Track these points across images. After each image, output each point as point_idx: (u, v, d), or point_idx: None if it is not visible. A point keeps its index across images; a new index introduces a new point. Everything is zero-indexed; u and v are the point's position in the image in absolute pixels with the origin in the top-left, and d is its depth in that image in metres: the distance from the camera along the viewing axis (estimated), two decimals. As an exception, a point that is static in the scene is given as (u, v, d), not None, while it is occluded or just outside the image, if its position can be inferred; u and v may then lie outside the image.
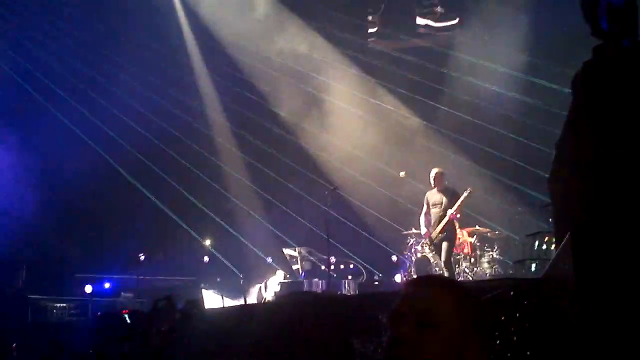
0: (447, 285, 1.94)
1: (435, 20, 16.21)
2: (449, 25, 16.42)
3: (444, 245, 10.77)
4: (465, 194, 10.91)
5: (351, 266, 15.06)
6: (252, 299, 14.67)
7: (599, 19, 3.68)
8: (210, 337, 8.16)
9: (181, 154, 16.98)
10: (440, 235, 10.85)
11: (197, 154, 17.24)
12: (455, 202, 10.87)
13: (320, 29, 17.13)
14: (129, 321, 7.28)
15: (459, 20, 16.22)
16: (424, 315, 1.83)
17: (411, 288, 1.96)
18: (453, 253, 11.47)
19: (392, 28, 17.17)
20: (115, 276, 15.01)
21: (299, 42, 16.97)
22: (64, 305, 13.29)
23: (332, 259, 13.57)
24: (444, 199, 10.88)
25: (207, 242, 16.46)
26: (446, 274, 10.69)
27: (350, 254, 15.23)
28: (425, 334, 1.81)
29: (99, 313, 11.62)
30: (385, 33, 17.44)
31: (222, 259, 16.17)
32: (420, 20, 16.33)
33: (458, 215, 10.89)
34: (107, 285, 14.80)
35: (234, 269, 15.92)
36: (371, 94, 16.93)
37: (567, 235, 3.34)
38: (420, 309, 1.85)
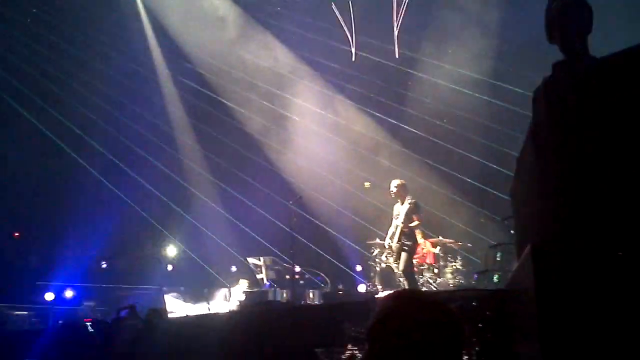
0: (424, 302, 1.97)
1: None
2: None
3: (402, 255, 10.84)
4: (407, 204, 10.93)
5: (316, 276, 15.08)
6: (217, 303, 14.56)
7: (563, 36, 3.79)
8: (174, 346, 8.11)
9: (146, 161, 16.82)
10: (397, 245, 10.92)
11: (163, 159, 17.10)
12: (416, 211, 10.97)
13: (286, 42, 17.17)
14: (91, 330, 7.18)
15: None
16: (404, 331, 1.86)
17: (388, 303, 1.98)
18: (416, 263, 11.56)
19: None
20: (77, 284, 14.78)
21: (264, 54, 16.98)
22: (24, 313, 13.02)
23: (297, 269, 13.57)
24: (403, 210, 10.96)
25: (171, 251, 16.33)
26: (406, 284, 10.78)
27: (315, 264, 15.25)
28: (404, 349, 1.84)
29: (60, 322, 11.43)
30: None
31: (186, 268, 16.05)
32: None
33: (411, 225, 10.90)
34: (68, 293, 14.56)
35: (198, 279, 15.81)
36: (337, 105, 16.99)
37: (528, 247, 3.41)
38: (401, 324, 1.88)
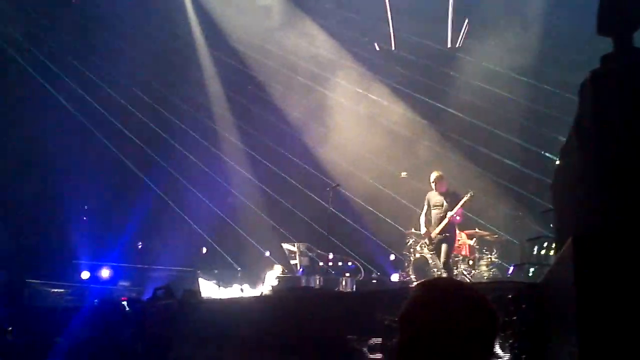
0: (458, 290, 1.94)
1: None
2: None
3: (444, 246, 10.80)
4: (466, 197, 10.95)
5: (349, 263, 15.08)
6: (250, 287, 14.69)
7: (615, 29, 3.70)
8: (208, 327, 8.19)
9: (184, 145, 16.97)
10: (439, 236, 10.89)
11: (199, 146, 17.23)
12: (456, 204, 10.90)
13: (327, 27, 17.10)
14: (127, 309, 7.30)
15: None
16: (434, 320, 1.84)
17: (421, 292, 1.96)
18: (452, 255, 11.50)
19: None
20: (113, 264, 15.02)
21: (305, 39, 16.96)
22: (61, 290, 13.28)
23: (330, 256, 13.60)
24: (445, 201, 10.91)
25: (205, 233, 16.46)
26: (444, 275, 10.73)
27: (349, 252, 15.25)
28: (434, 338, 1.82)
29: (96, 300, 11.63)
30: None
31: (221, 250, 16.17)
32: None
33: (458, 218, 10.92)
34: (105, 272, 14.82)
35: (232, 262, 15.93)
36: (376, 94, 16.92)
37: (569, 241, 3.34)
38: (430, 313, 1.86)
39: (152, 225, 16.42)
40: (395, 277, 13.87)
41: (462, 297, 1.90)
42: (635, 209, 3.12)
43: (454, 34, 16.39)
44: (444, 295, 1.90)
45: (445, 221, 10.89)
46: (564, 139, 4.29)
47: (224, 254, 16.21)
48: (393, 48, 17.28)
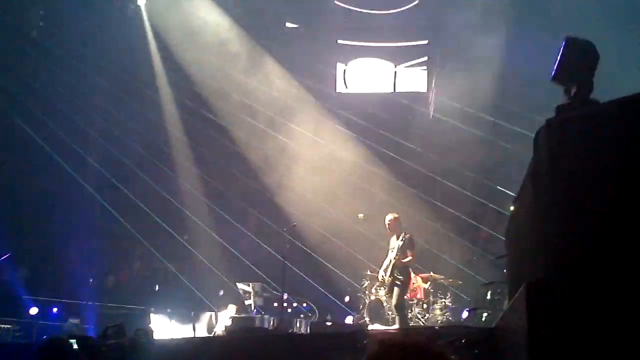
0: (416, 349, 1.94)
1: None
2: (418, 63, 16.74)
3: (395, 289, 10.81)
4: (403, 241, 10.91)
5: (304, 304, 15.00)
6: (202, 326, 14.45)
7: (570, 80, 3.86)
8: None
9: (141, 182, 16.77)
10: (390, 278, 10.89)
11: (157, 181, 17.05)
12: (411, 246, 10.96)
13: (290, 72, 17.28)
14: (76, 347, 7.10)
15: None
16: None
17: (378, 349, 1.96)
18: (406, 298, 11.52)
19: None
20: (62, 300, 14.65)
21: (267, 83, 17.08)
22: (9, 326, 12.87)
23: (285, 296, 13.50)
24: (398, 244, 10.96)
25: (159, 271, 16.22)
26: (397, 318, 10.75)
27: (304, 293, 15.18)
28: None
29: (45, 337, 11.29)
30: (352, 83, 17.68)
31: (174, 289, 15.93)
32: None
33: (405, 260, 10.88)
34: (54, 309, 14.45)
35: (185, 302, 15.69)
36: (333, 139, 17.03)
37: (522, 287, 3.42)
38: None
39: (105, 262, 16.13)
40: (349, 319, 13.81)
41: (420, 356, 1.91)
42: (587, 255, 3.21)
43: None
44: (402, 355, 1.91)
45: (392, 265, 10.89)
46: (516, 188, 4.42)
47: (176, 292, 15.97)
48: (341, 91, 17.55)
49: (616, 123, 3.39)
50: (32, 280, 14.98)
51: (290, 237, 12.80)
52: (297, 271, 14.79)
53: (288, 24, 17.32)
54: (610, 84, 4.17)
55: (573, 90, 3.85)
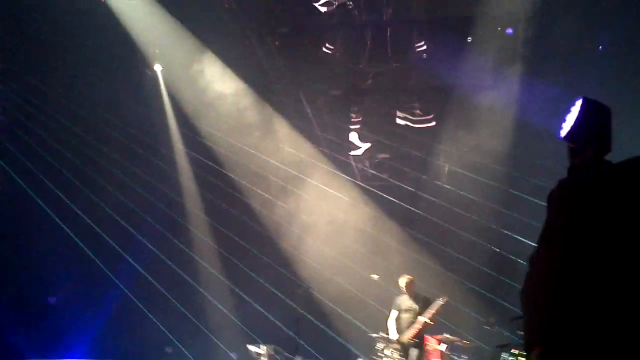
0: None
1: (414, 122, 16.60)
2: (426, 127, 16.77)
3: (413, 352, 10.66)
4: (440, 302, 10.89)
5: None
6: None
7: (575, 139, 3.88)
8: None
9: (153, 241, 16.78)
10: (410, 341, 10.74)
11: (166, 241, 17.06)
12: (427, 309, 10.84)
13: (303, 130, 17.47)
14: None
15: (435, 123, 16.58)
16: None
17: None
18: (421, 361, 11.34)
19: (371, 127, 17.50)
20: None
21: (281, 138, 17.25)
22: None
23: (299, 359, 13.31)
24: (416, 306, 10.86)
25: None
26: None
27: (317, 355, 14.96)
28: None
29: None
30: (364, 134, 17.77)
31: (186, 352, 15.74)
32: (399, 120, 16.71)
33: (431, 323, 10.81)
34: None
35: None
36: (351, 196, 17.13)
37: (536, 350, 3.36)
38: None
39: (113, 321, 16.01)
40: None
41: None
42: (602, 320, 3.16)
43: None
44: None
45: (418, 326, 10.77)
46: (535, 245, 4.38)
47: (190, 355, 15.77)
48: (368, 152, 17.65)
49: (629, 183, 3.38)
50: (46, 341, 14.89)
51: (304, 299, 12.72)
52: (311, 333, 14.60)
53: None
54: (622, 144, 4.17)
55: (585, 151, 3.86)
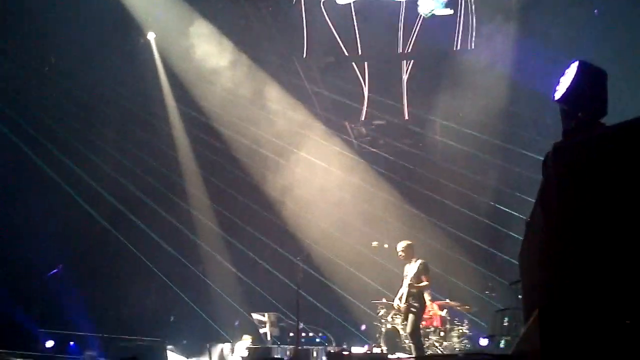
0: None
1: None
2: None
3: (410, 317, 10.70)
4: (416, 265, 10.83)
5: (320, 334, 14.90)
6: (217, 358, 14.42)
7: (571, 102, 3.87)
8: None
9: (155, 214, 16.81)
10: (405, 306, 10.78)
11: (170, 214, 17.10)
12: (425, 272, 10.87)
13: (299, 98, 17.39)
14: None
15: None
16: None
17: None
18: (423, 326, 11.40)
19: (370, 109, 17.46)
20: (78, 333, 14.65)
21: (281, 113, 17.18)
22: (25, 360, 12.87)
23: (301, 326, 13.42)
24: (412, 271, 10.89)
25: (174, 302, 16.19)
26: (412, 346, 10.62)
27: (320, 321, 15.11)
28: None
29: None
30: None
31: (189, 320, 15.89)
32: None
33: (420, 285, 10.77)
34: (70, 343, 14.45)
35: (201, 332, 15.64)
36: (347, 167, 17.12)
37: (535, 312, 3.39)
38: None
39: (120, 293, 16.12)
40: (362, 349, 13.55)
41: None
42: (598, 278, 3.19)
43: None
44: None
45: (406, 292, 10.78)
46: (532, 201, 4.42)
47: (192, 323, 15.92)
48: (363, 118, 17.55)
49: (623, 146, 3.39)
50: (47, 313, 14.99)
51: (304, 266, 12.77)
52: (313, 300, 14.73)
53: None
54: (616, 107, 4.16)
55: (580, 114, 3.86)
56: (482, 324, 13.27)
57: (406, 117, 16.98)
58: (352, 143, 17.90)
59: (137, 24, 16.62)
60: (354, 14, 15.61)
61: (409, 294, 10.71)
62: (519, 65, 14.62)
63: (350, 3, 15.49)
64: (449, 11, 15.22)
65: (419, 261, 10.86)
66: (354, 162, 17.23)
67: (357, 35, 15.83)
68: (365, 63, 16.81)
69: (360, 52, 16.17)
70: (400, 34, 15.83)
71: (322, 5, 15.48)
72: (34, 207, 15.18)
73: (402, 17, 15.63)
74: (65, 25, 15.39)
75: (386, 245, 13.40)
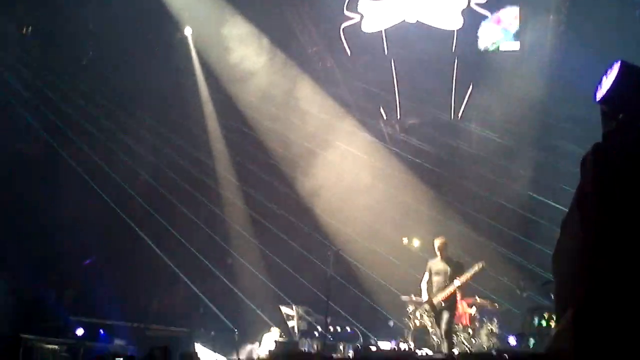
0: None
1: None
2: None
3: (445, 315, 10.70)
4: (477, 268, 10.85)
5: (348, 329, 14.92)
6: (244, 355, 14.51)
7: (612, 103, 3.83)
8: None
9: (186, 205, 17.01)
10: (442, 304, 10.79)
11: (201, 206, 17.29)
12: (461, 272, 10.86)
13: (334, 94, 17.42)
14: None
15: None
16: None
17: None
18: (453, 323, 11.39)
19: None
20: (109, 322, 14.86)
21: (313, 105, 17.22)
22: (56, 347, 13.07)
23: (329, 320, 13.46)
24: (448, 269, 10.88)
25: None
26: (445, 344, 10.62)
27: (348, 317, 15.13)
28: None
29: (93, 358, 11.44)
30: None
31: (218, 312, 16.01)
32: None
33: (460, 285, 10.85)
34: (100, 331, 14.67)
35: (229, 324, 15.76)
36: (381, 160, 17.14)
37: (569, 311, 3.39)
38: None
39: (149, 283, 16.33)
40: (386, 345, 13.50)
41: None
42: (634, 280, 3.17)
43: (457, 102, 16.55)
44: None
45: (451, 289, 10.80)
46: (566, 210, 4.37)
47: (222, 316, 16.04)
48: (398, 117, 17.52)
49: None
50: (78, 301, 15.24)
51: (334, 261, 12.80)
52: (341, 295, 14.75)
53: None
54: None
55: (621, 115, 3.81)
56: (513, 323, 13.17)
57: (459, 117, 16.83)
58: (384, 135, 17.89)
59: (174, 19, 16.84)
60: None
61: (447, 292, 10.74)
62: (560, 62, 14.50)
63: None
64: (516, 46, 14.88)
65: (455, 260, 10.92)
66: (387, 162, 17.24)
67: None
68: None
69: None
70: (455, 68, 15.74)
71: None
72: (71, 198, 15.47)
73: (454, 49, 15.51)
74: (104, 19, 15.64)
75: (405, 240, 13.39)
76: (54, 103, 16.32)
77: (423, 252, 12.81)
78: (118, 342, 14.59)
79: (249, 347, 14.96)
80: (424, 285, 11.33)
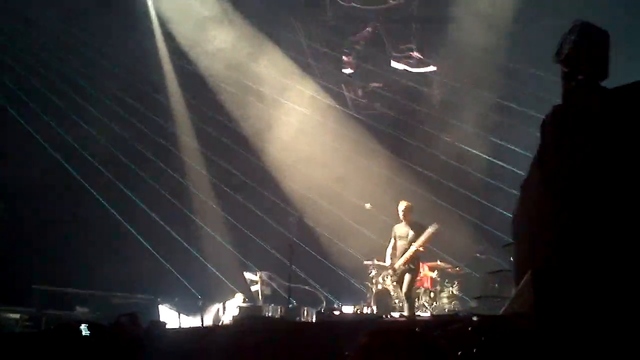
0: (408, 338, 1.94)
1: (412, 66, 16.24)
2: (425, 72, 16.43)
3: (406, 277, 10.86)
4: (431, 230, 10.99)
5: (311, 294, 15.01)
6: (209, 319, 14.53)
7: (572, 63, 3.85)
8: (170, 357, 8.08)
9: (146, 170, 16.79)
10: (403, 267, 10.93)
11: (162, 172, 17.07)
12: (420, 236, 10.98)
13: (296, 59, 17.25)
14: (86, 333, 7.14)
15: (436, 68, 16.23)
16: None
17: (370, 340, 1.97)
18: (414, 286, 11.55)
19: (366, 71, 17.28)
20: (70, 289, 14.68)
21: (273, 67, 17.05)
22: (17, 316, 12.90)
23: (292, 285, 13.51)
24: (410, 233, 11.00)
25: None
26: (406, 305, 10.78)
27: (311, 281, 15.22)
28: None
29: (53, 326, 11.29)
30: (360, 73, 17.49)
31: (182, 279, 15.96)
32: (395, 65, 16.34)
33: (421, 249, 10.98)
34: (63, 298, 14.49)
35: (194, 291, 15.74)
36: (342, 125, 17.11)
37: (529, 273, 3.43)
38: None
39: (110, 250, 16.15)
40: (348, 309, 13.63)
41: (412, 345, 1.91)
42: (593, 240, 3.22)
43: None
44: (393, 345, 1.92)
45: (410, 252, 10.93)
46: (524, 174, 4.42)
47: (186, 283, 16.00)
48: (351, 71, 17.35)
49: (623, 109, 3.39)
50: (41, 269, 15.02)
51: (296, 226, 12.83)
52: (304, 260, 14.81)
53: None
54: (617, 71, 4.14)
55: (580, 75, 3.83)
56: (473, 285, 13.39)
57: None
58: (346, 99, 17.84)
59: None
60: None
61: (411, 256, 10.86)
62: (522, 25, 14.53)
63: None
64: None
65: (419, 223, 11.01)
66: (349, 126, 17.22)
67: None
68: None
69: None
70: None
71: None
72: (36, 167, 15.19)
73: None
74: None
75: (367, 206, 13.44)
76: (13, 70, 15.99)
77: (385, 216, 12.86)
78: (81, 309, 14.45)
79: (214, 307, 14.96)
80: (388, 251, 11.46)
